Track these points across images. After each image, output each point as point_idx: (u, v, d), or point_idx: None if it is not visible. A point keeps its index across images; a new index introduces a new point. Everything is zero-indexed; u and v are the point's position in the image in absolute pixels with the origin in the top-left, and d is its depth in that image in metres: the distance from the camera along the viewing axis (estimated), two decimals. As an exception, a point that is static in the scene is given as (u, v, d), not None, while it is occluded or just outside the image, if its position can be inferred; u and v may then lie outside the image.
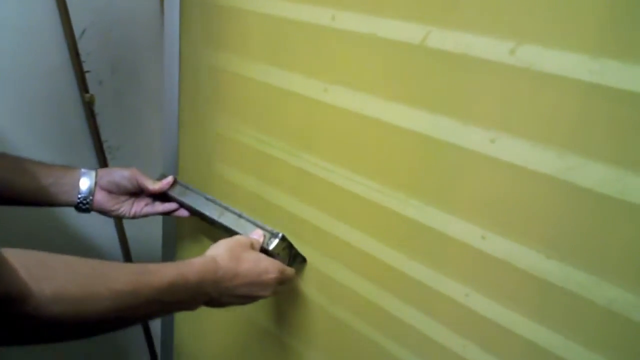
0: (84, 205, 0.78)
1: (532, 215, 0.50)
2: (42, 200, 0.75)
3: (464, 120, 0.53)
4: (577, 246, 0.47)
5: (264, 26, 0.70)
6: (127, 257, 1.17)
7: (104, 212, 0.81)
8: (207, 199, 0.81)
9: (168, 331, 1.10)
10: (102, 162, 1.03)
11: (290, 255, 0.74)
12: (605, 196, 0.44)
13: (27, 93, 0.91)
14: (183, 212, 0.84)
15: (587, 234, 0.46)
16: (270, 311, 0.86)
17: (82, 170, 0.78)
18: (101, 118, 1.00)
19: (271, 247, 0.72)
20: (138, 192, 0.82)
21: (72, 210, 0.79)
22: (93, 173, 0.79)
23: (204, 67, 0.82)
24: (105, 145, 1.02)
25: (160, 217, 0.93)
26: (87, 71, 0.95)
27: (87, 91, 0.96)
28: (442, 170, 0.56)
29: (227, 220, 0.77)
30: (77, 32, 0.92)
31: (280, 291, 0.70)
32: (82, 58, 0.94)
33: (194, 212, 0.82)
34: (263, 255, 0.68)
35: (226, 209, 0.79)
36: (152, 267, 0.55)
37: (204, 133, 0.86)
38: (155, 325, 1.27)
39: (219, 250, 0.64)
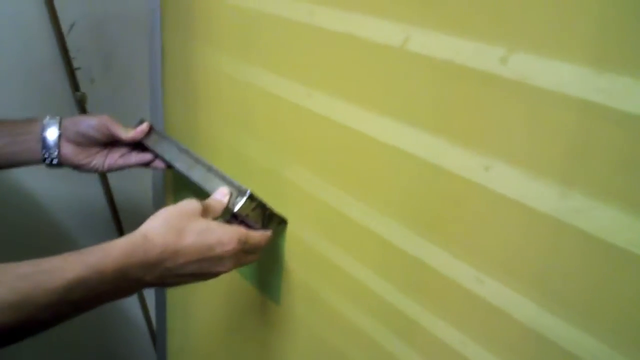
0: (51, 161, 0.70)
1: (531, 261, 0.41)
2: (3, 162, 0.68)
3: (453, 140, 0.44)
4: (582, 303, 0.38)
5: (239, 19, 0.62)
6: (115, 216, 1.10)
7: (74, 167, 0.72)
8: (180, 149, 0.70)
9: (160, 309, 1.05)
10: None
11: (264, 217, 0.62)
12: (617, 247, 0.35)
13: (15, 91, 0.87)
14: (159, 164, 0.74)
15: (593, 289, 0.37)
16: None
17: (45, 121, 0.70)
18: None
19: (236, 208, 0.59)
20: (111, 143, 0.73)
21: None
22: (56, 124, 0.70)
23: (183, 62, 0.75)
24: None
25: (149, 170, 0.85)
26: (78, 68, 0.90)
27: (77, 89, 0.90)
28: (431, 196, 0.47)
29: (196, 174, 0.66)
30: (65, 26, 0.86)
31: (251, 260, 0.60)
32: (72, 54, 0.88)
33: (167, 164, 0.72)
34: (214, 224, 0.56)
35: (197, 161, 0.67)
36: (49, 265, 0.47)
37: (190, 135, 0.79)
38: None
39: (155, 223, 0.53)
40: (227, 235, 0.55)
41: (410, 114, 0.47)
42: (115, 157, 0.74)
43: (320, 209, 0.60)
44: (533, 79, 0.36)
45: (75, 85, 0.90)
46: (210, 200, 0.59)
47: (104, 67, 0.93)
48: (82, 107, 0.92)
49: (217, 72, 0.70)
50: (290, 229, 0.65)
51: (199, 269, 0.55)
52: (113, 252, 0.50)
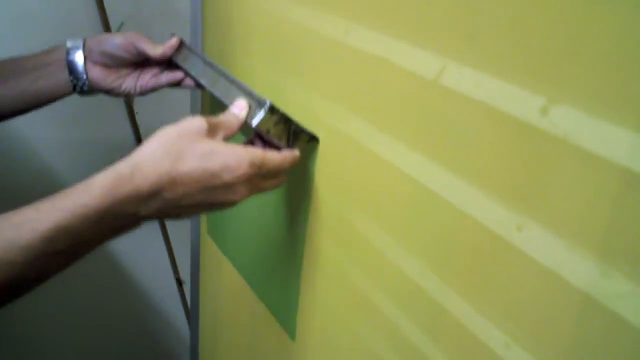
0: (81, 87, 0.67)
1: (561, 336, 0.35)
2: (31, 102, 0.66)
3: (486, 191, 0.39)
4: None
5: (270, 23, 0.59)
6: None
7: (106, 91, 0.68)
8: (205, 62, 0.63)
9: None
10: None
11: (289, 133, 0.53)
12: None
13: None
14: (189, 82, 0.68)
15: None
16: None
17: (68, 45, 0.66)
18: (141, 117, 0.94)
19: (255, 122, 0.50)
20: (141, 63, 0.68)
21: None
22: (80, 47, 0.66)
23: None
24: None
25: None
26: (125, 67, 0.89)
27: (125, 89, 0.90)
28: (459, 244, 0.43)
29: (218, 89, 0.58)
30: (114, 26, 0.85)
31: (273, 186, 0.52)
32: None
33: (195, 82, 0.66)
34: (221, 145, 0.47)
35: (221, 74, 0.59)
36: (20, 218, 0.41)
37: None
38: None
39: (148, 149, 0.45)
40: (235, 159, 0.46)
41: (440, 153, 0.42)
42: (146, 78, 0.68)
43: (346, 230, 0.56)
44: (576, 137, 0.31)
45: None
46: (222, 116, 0.50)
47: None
48: (129, 107, 0.91)
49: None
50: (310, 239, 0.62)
51: (205, 198, 0.47)
52: (93, 190, 0.43)
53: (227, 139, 0.49)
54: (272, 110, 0.50)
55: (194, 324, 1.04)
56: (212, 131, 0.48)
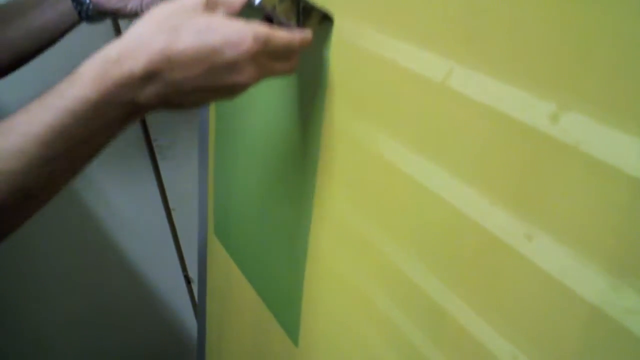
0: (85, 13, 0.64)
1: (570, 348, 0.34)
2: (40, 38, 0.65)
3: (495, 198, 0.38)
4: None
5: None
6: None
7: (112, 13, 0.66)
8: None
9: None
10: (154, 163, 0.98)
11: (298, 11, 0.48)
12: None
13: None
14: None
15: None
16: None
17: None
18: (151, 115, 0.94)
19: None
20: None
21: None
22: None
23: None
24: (155, 145, 0.96)
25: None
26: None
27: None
28: (467, 252, 0.42)
29: None
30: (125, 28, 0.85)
31: (283, 70, 0.47)
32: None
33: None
34: (220, 20, 0.42)
35: None
36: (7, 123, 0.39)
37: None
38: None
39: (139, 28, 0.41)
40: (237, 33, 0.41)
41: (448, 158, 0.41)
42: None
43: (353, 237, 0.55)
44: (587, 146, 0.30)
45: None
46: None
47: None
48: (145, 128, 0.91)
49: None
50: (322, 264, 0.61)
51: (209, 81, 0.42)
52: (82, 81, 0.39)
53: (240, 5, 0.45)
54: None
55: (201, 322, 1.04)
56: (210, 7, 0.43)
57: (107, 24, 0.83)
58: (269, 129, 0.70)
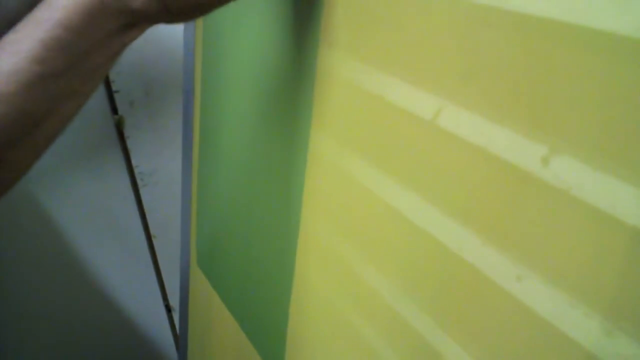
0: None
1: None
2: None
3: (485, 238, 0.37)
4: None
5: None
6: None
7: None
8: None
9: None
10: (134, 188, 0.96)
11: None
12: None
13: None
14: None
15: None
16: None
17: None
18: (132, 142, 0.92)
19: None
20: None
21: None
22: None
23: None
24: (136, 171, 0.95)
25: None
26: (117, 91, 0.87)
27: (116, 112, 0.88)
28: (456, 292, 0.41)
29: None
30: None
31: None
32: (111, 77, 0.86)
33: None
34: None
35: None
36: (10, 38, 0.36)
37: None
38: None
39: None
40: None
41: (439, 196, 0.41)
42: None
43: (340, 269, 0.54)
44: (579, 191, 0.30)
45: (114, 108, 0.88)
46: None
47: (144, 91, 0.91)
48: (119, 131, 0.90)
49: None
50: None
51: None
52: None
53: None
54: None
55: (182, 354, 1.02)
56: None
57: None
58: (254, 158, 0.69)
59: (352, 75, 0.48)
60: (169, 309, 1.13)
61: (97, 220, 0.97)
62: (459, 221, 0.39)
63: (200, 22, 0.80)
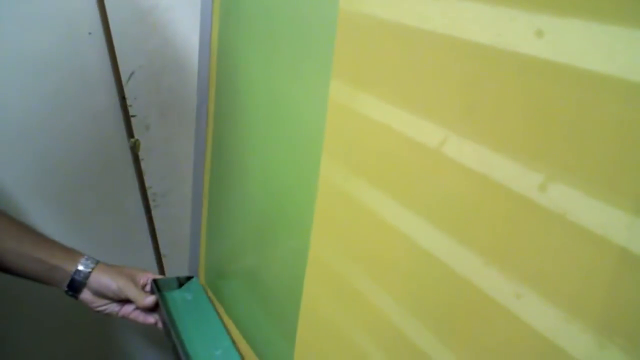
0: (70, 296, 0.78)
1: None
2: (30, 278, 0.75)
3: (486, 259, 0.40)
4: None
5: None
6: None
7: (89, 308, 0.80)
8: (175, 334, 0.79)
9: None
10: (147, 209, 0.99)
11: None
12: None
13: (74, 135, 0.89)
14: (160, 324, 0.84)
15: None
16: None
17: (79, 266, 0.77)
18: (147, 164, 0.95)
19: None
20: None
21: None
22: (87, 273, 0.77)
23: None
24: (149, 192, 0.98)
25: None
26: (133, 115, 0.91)
27: (132, 136, 0.92)
28: (459, 311, 0.43)
29: None
30: (124, 75, 0.88)
31: None
32: (129, 102, 0.89)
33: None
34: None
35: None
36: None
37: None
38: None
39: None
40: None
41: (443, 220, 0.43)
42: (129, 310, 0.82)
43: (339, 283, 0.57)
44: (573, 216, 0.32)
45: (130, 132, 0.91)
46: None
47: (159, 116, 0.94)
48: (134, 154, 0.93)
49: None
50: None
51: None
52: None
53: None
54: None
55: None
56: None
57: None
58: (264, 183, 0.72)
59: (362, 106, 0.51)
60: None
61: (109, 238, 1.00)
62: (462, 243, 0.42)
63: (215, 52, 0.84)
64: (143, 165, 0.95)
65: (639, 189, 0.29)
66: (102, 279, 0.78)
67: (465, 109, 0.40)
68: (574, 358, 0.34)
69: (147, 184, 0.97)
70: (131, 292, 0.79)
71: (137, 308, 0.82)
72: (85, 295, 0.78)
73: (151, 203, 0.99)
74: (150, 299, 0.81)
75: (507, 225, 0.38)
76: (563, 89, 0.33)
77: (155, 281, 0.84)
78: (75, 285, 0.77)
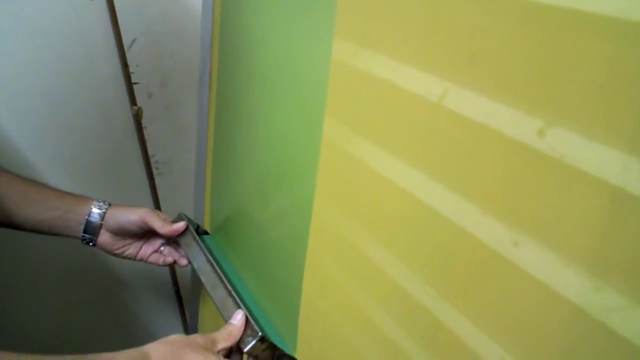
0: (87, 242, 0.76)
1: (553, 346, 0.37)
2: (45, 231, 0.74)
3: (485, 209, 0.40)
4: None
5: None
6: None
7: (107, 252, 0.78)
8: (209, 260, 0.76)
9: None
10: (149, 177, 0.99)
11: (274, 357, 0.66)
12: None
13: (76, 102, 0.89)
14: (182, 262, 0.81)
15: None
16: None
17: (92, 208, 0.76)
18: (149, 132, 0.96)
19: (246, 349, 0.64)
20: (149, 235, 0.79)
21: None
22: (101, 213, 0.76)
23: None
24: (152, 160, 0.98)
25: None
26: (136, 83, 0.91)
27: (135, 103, 0.92)
28: (457, 259, 0.44)
29: (217, 295, 0.72)
30: (126, 42, 0.88)
31: None
32: (131, 69, 0.89)
33: (193, 269, 0.77)
34: (207, 356, 0.59)
35: (221, 280, 0.73)
36: None
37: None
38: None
39: (160, 345, 0.59)
40: None
41: (441, 171, 0.44)
42: (148, 252, 0.81)
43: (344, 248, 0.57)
44: (570, 158, 0.33)
45: (133, 100, 0.92)
46: (217, 335, 0.64)
47: (161, 83, 0.94)
48: (137, 122, 0.93)
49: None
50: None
51: None
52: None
53: (230, 346, 0.63)
54: (263, 339, 0.63)
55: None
56: (210, 344, 0.61)
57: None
58: (267, 146, 0.72)
59: (364, 62, 0.51)
60: (179, 295, 1.16)
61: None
62: (462, 194, 0.42)
63: (217, 17, 0.84)
64: (146, 133, 0.95)
65: (633, 128, 0.29)
66: (120, 215, 0.76)
67: (467, 59, 0.40)
68: (571, 302, 0.35)
69: (150, 152, 0.97)
70: (154, 220, 0.77)
71: (163, 237, 0.80)
72: (103, 237, 0.76)
73: (154, 171, 0.99)
74: (181, 224, 0.79)
75: (505, 173, 0.38)
76: (563, 33, 0.33)
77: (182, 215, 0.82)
78: (91, 228, 0.75)
